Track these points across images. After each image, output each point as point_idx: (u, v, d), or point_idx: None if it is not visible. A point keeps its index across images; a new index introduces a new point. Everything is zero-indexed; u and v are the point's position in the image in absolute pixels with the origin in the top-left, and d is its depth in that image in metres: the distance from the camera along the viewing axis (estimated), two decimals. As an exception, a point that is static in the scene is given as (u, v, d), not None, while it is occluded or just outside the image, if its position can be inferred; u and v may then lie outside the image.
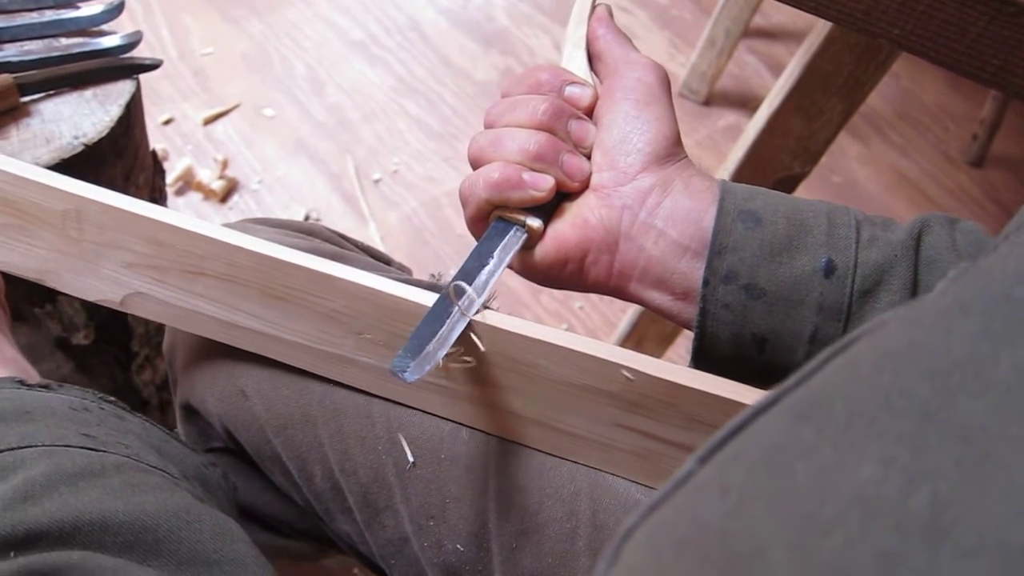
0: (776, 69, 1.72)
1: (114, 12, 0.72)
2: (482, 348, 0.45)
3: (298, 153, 1.43)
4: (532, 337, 0.44)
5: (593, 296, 1.31)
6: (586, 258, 0.46)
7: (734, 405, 0.42)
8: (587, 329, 1.27)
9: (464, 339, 0.44)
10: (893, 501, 0.18)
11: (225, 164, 1.37)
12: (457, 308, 0.43)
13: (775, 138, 0.81)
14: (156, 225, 0.48)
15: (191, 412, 0.60)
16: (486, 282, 0.44)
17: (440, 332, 0.42)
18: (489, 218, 0.47)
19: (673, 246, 0.44)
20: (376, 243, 1.32)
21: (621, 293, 0.47)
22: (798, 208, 0.44)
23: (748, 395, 0.42)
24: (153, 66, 0.71)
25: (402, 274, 0.61)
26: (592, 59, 0.51)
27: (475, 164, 0.47)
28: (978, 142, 1.62)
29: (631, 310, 1.07)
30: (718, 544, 0.20)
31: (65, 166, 0.64)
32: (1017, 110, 1.64)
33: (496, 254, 0.45)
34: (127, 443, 0.47)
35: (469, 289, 0.43)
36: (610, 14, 0.51)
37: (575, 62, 0.50)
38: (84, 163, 0.66)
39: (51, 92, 0.68)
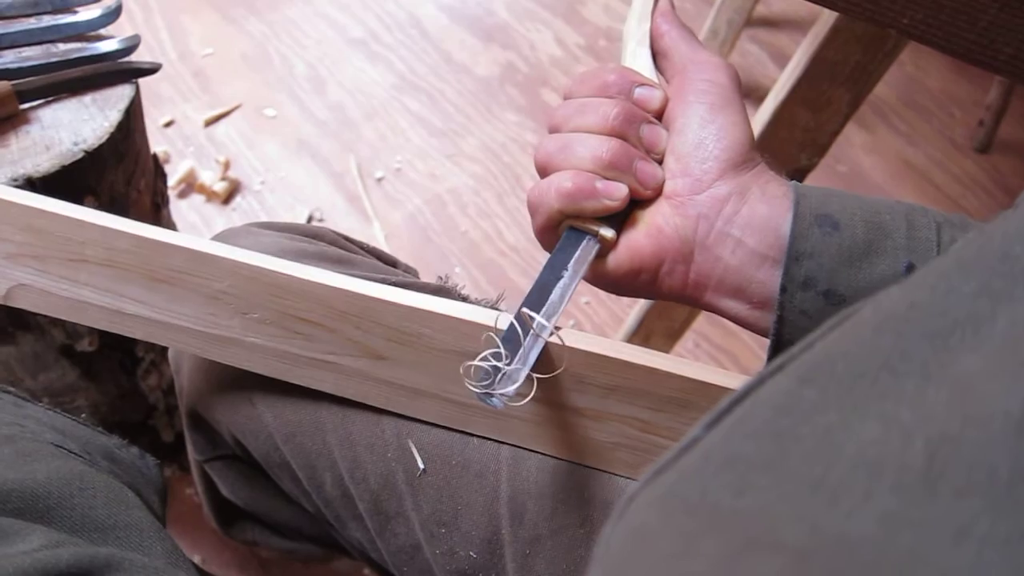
0: (780, 58, 1.70)
1: (112, 16, 0.71)
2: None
3: (300, 153, 1.42)
4: (409, 306, 0.45)
5: (599, 291, 1.30)
6: (661, 268, 0.44)
7: (617, 364, 0.43)
8: (594, 325, 1.27)
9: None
10: (893, 460, 0.18)
11: (227, 165, 1.37)
12: (533, 329, 0.42)
13: (782, 130, 0.80)
14: (28, 211, 0.48)
15: (198, 419, 0.60)
16: (561, 297, 0.43)
17: (518, 354, 0.41)
18: (559, 228, 0.45)
19: (751, 255, 0.43)
20: (380, 242, 1.32)
21: (696, 302, 0.45)
22: (876, 210, 0.42)
23: (628, 352, 0.43)
24: (152, 70, 0.71)
25: (408, 276, 0.61)
26: (656, 56, 0.48)
27: (543, 171, 0.45)
28: (984, 128, 1.60)
29: (638, 306, 1.06)
30: (729, 518, 0.20)
31: (66, 173, 0.64)
32: (1023, 95, 1.63)
33: (571, 266, 0.44)
34: (23, 424, 0.48)
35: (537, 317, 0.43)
36: (672, 7, 0.49)
37: (640, 60, 0.48)
38: (85, 169, 0.65)
39: (50, 98, 0.67)
